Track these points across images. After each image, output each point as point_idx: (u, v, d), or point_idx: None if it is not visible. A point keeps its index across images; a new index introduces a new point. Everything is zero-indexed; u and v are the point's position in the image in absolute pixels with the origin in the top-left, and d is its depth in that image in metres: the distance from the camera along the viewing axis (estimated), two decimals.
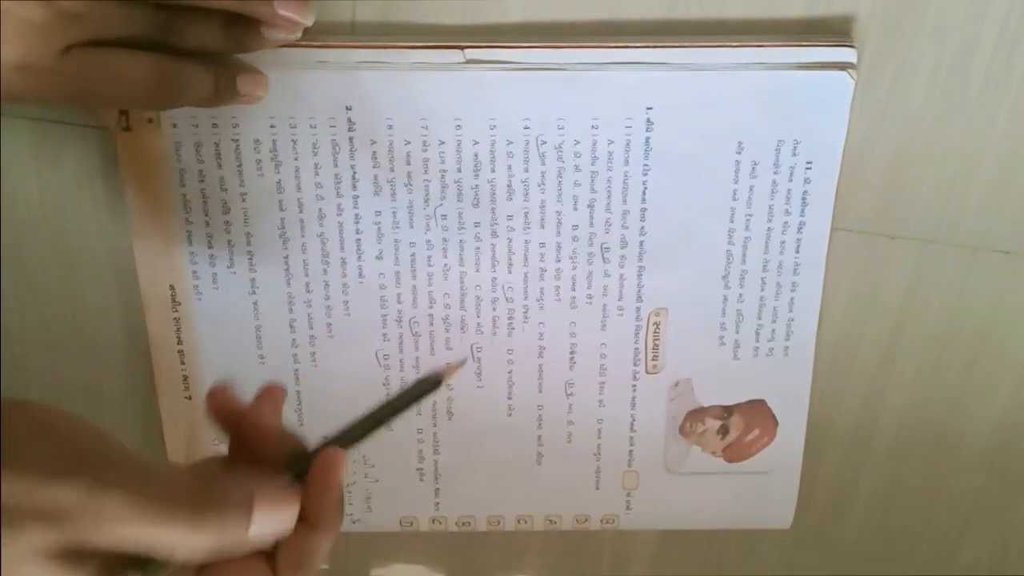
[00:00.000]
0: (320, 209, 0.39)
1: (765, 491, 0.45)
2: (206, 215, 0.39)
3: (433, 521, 0.45)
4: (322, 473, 0.29)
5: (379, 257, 0.40)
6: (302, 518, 0.29)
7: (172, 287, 0.41)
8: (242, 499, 0.27)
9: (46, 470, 0.25)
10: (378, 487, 0.44)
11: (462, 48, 0.37)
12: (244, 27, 0.34)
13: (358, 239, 0.40)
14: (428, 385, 0.32)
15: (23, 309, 0.42)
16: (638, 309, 0.41)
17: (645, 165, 0.39)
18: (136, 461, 0.27)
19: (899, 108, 0.39)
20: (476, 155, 0.39)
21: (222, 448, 0.32)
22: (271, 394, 0.32)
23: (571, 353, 0.42)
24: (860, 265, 0.42)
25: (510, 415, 0.43)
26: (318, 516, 0.29)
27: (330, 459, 0.30)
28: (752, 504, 0.46)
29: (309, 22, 0.33)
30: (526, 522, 0.45)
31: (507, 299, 0.41)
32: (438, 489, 0.44)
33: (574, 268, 0.41)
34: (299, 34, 0.34)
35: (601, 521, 0.46)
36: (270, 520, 0.28)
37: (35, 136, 0.39)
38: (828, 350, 0.43)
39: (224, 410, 0.31)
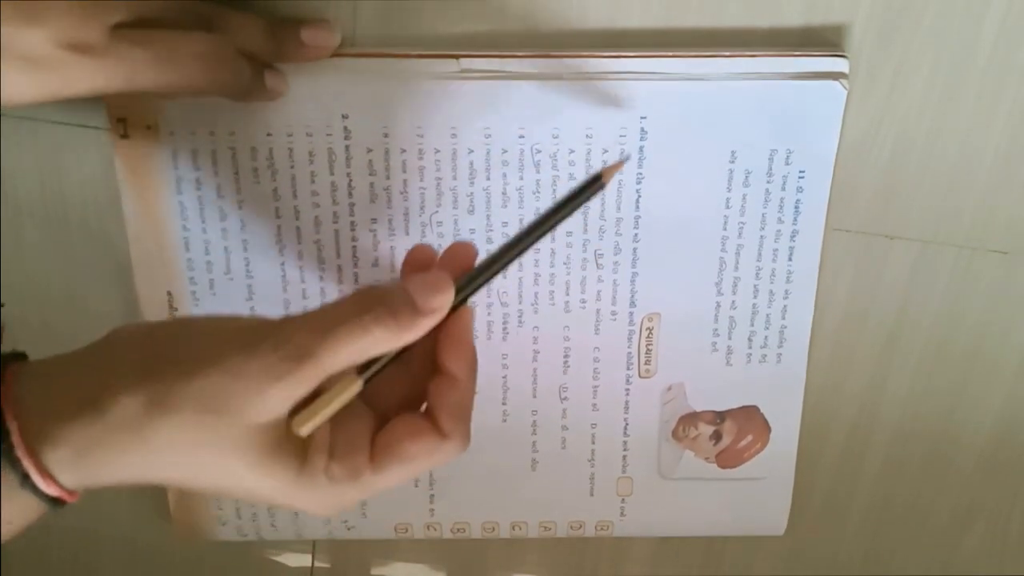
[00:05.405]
0: (316, 216, 0.40)
1: (759, 498, 0.45)
2: (203, 222, 0.40)
3: (428, 527, 0.46)
4: (455, 330, 0.32)
5: (375, 265, 0.40)
6: (442, 372, 0.32)
7: (169, 293, 0.41)
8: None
9: None
10: None
11: (457, 57, 0.37)
12: (286, 33, 0.35)
13: (354, 246, 0.40)
14: (590, 186, 0.32)
15: (23, 313, 0.43)
16: (631, 314, 0.42)
17: (639, 173, 0.39)
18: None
19: (897, 109, 0.39)
20: (471, 163, 0.39)
21: None
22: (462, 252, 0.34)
23: (565, 357, 0.42)
24: (858, 265, 0.42)
25: (505, 420, 0.43)
26: (456, 367, 0.32)
27: (462, 318, 0.32)
28: (746, 511, 0.46)
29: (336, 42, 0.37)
30: (521, 528, 0.46)
31: (501, 303, 0.41)
32: (432, 495, 0.44)
33: (568, 273, 0.41)
34: (336, 44, 0.36)
35: (596, 528, 0.46)
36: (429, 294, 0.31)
37: (35, 138, 0.40)
38: (824, 351, 0.43)
39: (417, 264, 0.34)
